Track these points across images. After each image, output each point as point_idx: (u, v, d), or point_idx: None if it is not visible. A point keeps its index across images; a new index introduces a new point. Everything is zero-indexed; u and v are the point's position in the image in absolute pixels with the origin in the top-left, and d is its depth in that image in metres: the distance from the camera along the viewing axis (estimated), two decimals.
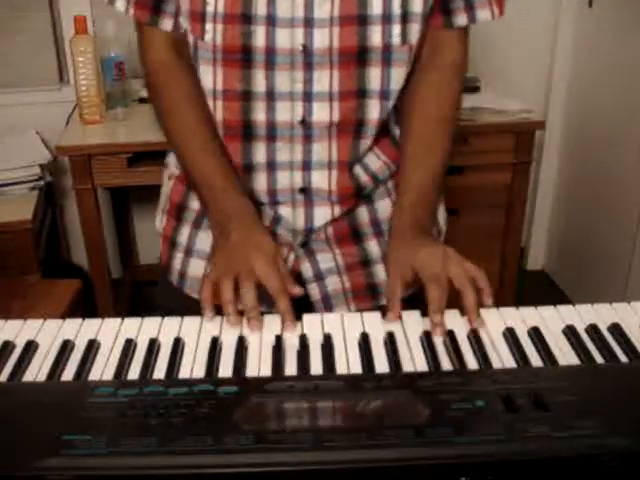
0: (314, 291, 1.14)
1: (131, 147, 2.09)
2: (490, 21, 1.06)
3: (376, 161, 1.11)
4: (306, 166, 1.06)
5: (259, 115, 1.02)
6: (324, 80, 1.00)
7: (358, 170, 1.09)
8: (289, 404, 0.69)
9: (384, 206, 1.14)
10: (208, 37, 0.98)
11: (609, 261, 2.50)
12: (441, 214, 1.21)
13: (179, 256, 1.15)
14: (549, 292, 2.86)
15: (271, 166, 1.06)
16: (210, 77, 1.02)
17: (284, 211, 1.09)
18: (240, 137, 1.05)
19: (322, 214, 1.10)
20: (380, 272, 1.14)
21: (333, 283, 1.14)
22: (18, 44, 2.45)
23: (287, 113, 1.02)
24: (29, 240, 2.09)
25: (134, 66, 2.39)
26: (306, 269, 1.14)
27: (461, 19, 1.05)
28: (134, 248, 2.89)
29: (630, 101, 2.31)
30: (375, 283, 1.15)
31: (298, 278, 1.13)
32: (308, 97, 1.01)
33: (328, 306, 1.15)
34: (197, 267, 1.12)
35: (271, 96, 1.01)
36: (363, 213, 1.14)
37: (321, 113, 1.02)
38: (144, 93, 2.34)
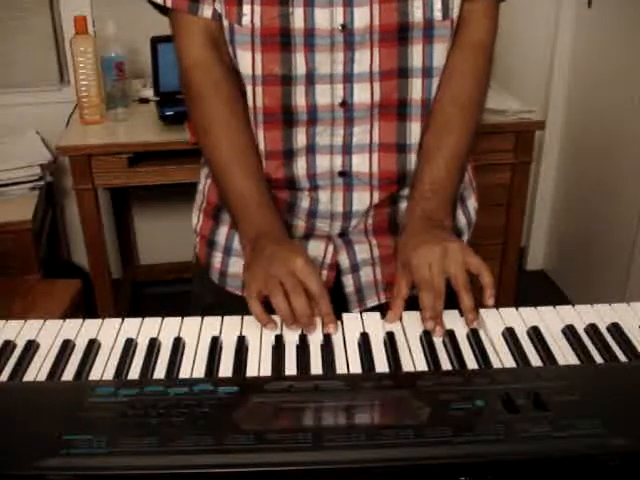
0: (348, 282, 1.13)
1: (131, 147, 2.09)
2: None
3: None
4: (346, 149, 1.04)
5: (299, 99, 1.00)
6: (365, 60, 0.98)
7: (411, 156, 1.05)
8: (289, 404, 0.69)
9: None
10: (246, 20, 0.96)
11: (609, 261, 2.50)
12: (471, 205, 1.19)
13: (218, 255, 1.15)
14: (549, 292, 2.86)
15: (311, 150, 1.04)
16: (249, 62, 0.99)
17: (323, 195, 1.08)
18: (280, 123, 1.03)
19: (361, 198, 1.07)
20: None
21: (366, 274, 1.13)
22: (18, 44, 2.45)
23: (327, 96, 1.00)
24: (29, 240, 2.09)
25: (134, 66, 2.39)
26: (343, 260, 1.12)
27: None
28: (134, 248, 2.89)
29: (630, 101, 2.31)
30: None
31: (336, 269, 1.13)
32: (349, 78, 0.99)
33: (361, 297, 1.14)
34: (237, 265, 1.11)
35: (311, 79, 0.99)
36: (404, 206, 1.10)
37: (362, 94, 1.00)
38: (144, 93, 2.34)
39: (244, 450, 0.62)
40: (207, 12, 1.00)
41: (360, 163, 1.05)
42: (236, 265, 1.11)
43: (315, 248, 1.12)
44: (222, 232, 1.14)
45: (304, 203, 1.09)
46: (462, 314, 0.90)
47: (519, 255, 2.53)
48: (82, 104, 2.18)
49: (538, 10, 2.66)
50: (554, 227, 2.95)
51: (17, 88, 2.49)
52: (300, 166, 1.05)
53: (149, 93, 2.31)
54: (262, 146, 1.06)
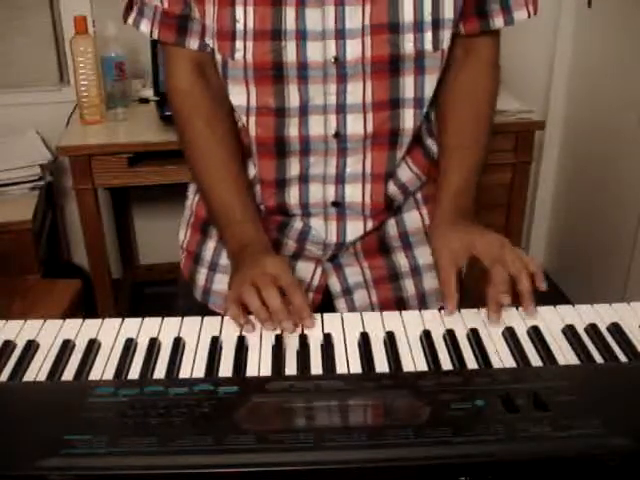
0: (341, 306, 1.13)
1: (131, 147, 2.09)
2: (526, 20, 1.05)
3: (407, 172, 1.09)
4: (339, 179, 1.04)
5: (292, 130, 1.01)
6: (357, 91, 0.98)
7: (389, 182, 1.07)
8: (289, 404, 0.69)
9: (412, 218, 1.12)
10: (238, 55, 0.96)
11: (609, 261, 2.50)
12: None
13: (203, 272, 1.14)
14: (549, 292, 2.85)
15: (304, 179, 1.05)
16: (243, 95, 1.00)
17: (316, 223, 1.08)
18: (274, 153, 1.03)
19: (355, 228, 1.08)
20: (408, 286, 1.13)
21: (361, 298, 1.13)
22: (18, 44, 2.45)
23: (320, 127, 1.00)
24: (29, 240, 2.09)
25: (134, 66, 2.39)
26: (333, 284, 1.12)
27: (498, 22, 1.03)
28: (134, 248, 2.89)
29: (630, 101, 2.31)
30: (402, 297, 1.14)
31: (325, 293, 1.13)
32: (342, 109, 0.99)
33: None
34: (221, 282, 1.10)
35: (304, 110, 0.99)
36: (391, 226, 1.12)
37: (355, 125, 1.00)
38: (144, 93, 2.34)
39: (244, 450, 0.62)
40: (194, 44, 1.02)
41: (353, 194, 1.06)
42: (221, 282, 1.11)
43: (303, 269, 1.12)
44: (209, 247, 1.13)
45: (297, 225, 1.09)
46: (517, 299, 0.92)
47: None
48: (82, 104, 2.18)
49: (538, 10, 2.66)
50: (554, 227, 2.95)
51: (17, 88, 2.49)
52: (293, 195, 1.06)
53: (149, 93, 2.31)
54: (257, 173, 1.07)
